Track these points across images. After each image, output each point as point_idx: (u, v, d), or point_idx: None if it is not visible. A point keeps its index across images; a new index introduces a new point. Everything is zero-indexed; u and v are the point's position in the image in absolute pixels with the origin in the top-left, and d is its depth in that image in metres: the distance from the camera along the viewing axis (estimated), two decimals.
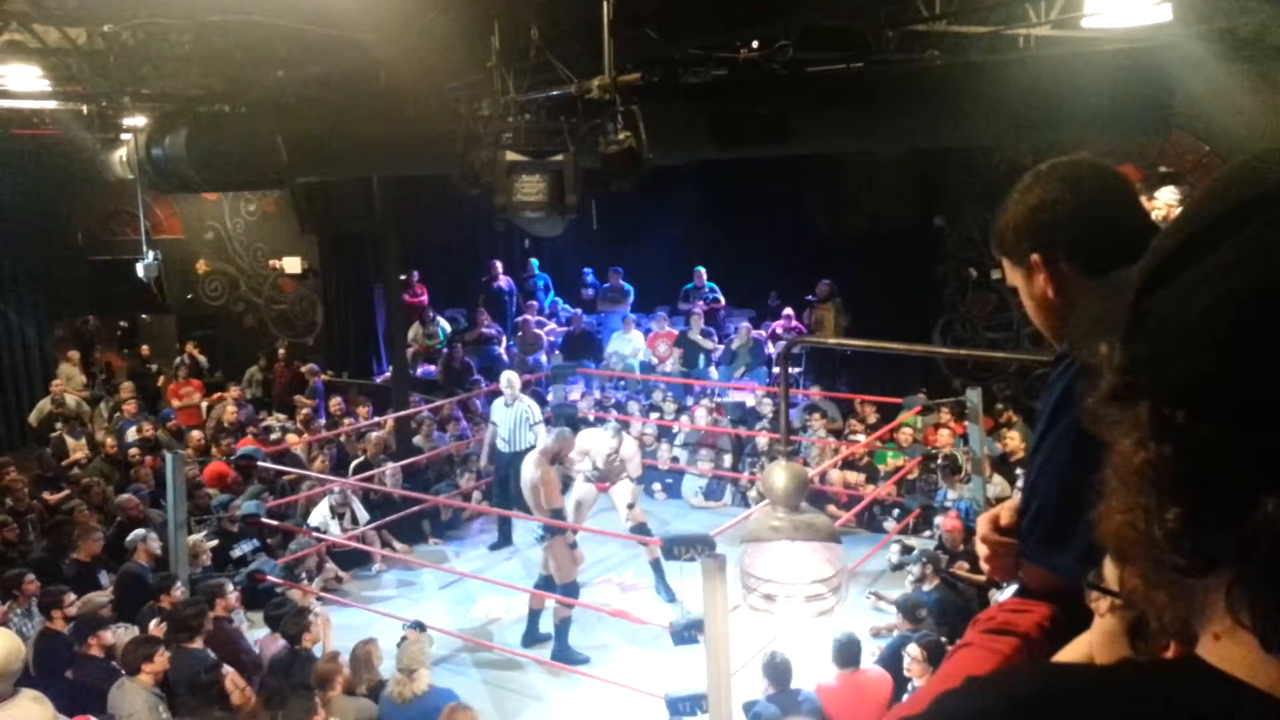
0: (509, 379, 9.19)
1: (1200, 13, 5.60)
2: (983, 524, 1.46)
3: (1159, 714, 0.58)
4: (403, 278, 12.07)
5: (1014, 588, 1.46)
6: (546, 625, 7.06)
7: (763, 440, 9.85)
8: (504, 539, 9.08)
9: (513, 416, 9.11)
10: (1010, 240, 1.41)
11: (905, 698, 5.29)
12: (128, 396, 11.36)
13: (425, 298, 13.38)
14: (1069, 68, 6.09)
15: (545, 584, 7.11)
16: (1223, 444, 0.54)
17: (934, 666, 5.25)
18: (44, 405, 11.17)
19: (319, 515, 8.51)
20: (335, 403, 11.03)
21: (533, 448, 8.62)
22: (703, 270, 13.39)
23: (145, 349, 13.05)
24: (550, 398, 11.13)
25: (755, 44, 6.32)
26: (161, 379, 12.47)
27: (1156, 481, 0.57)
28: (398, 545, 8.84)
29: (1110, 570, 0.96)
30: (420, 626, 6.45)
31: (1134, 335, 0.60)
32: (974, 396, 8.00)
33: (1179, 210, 0.65)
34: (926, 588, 6.57)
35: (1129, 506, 0.59)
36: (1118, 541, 0.61)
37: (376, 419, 10.34)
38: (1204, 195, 0.62)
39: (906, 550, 7.51)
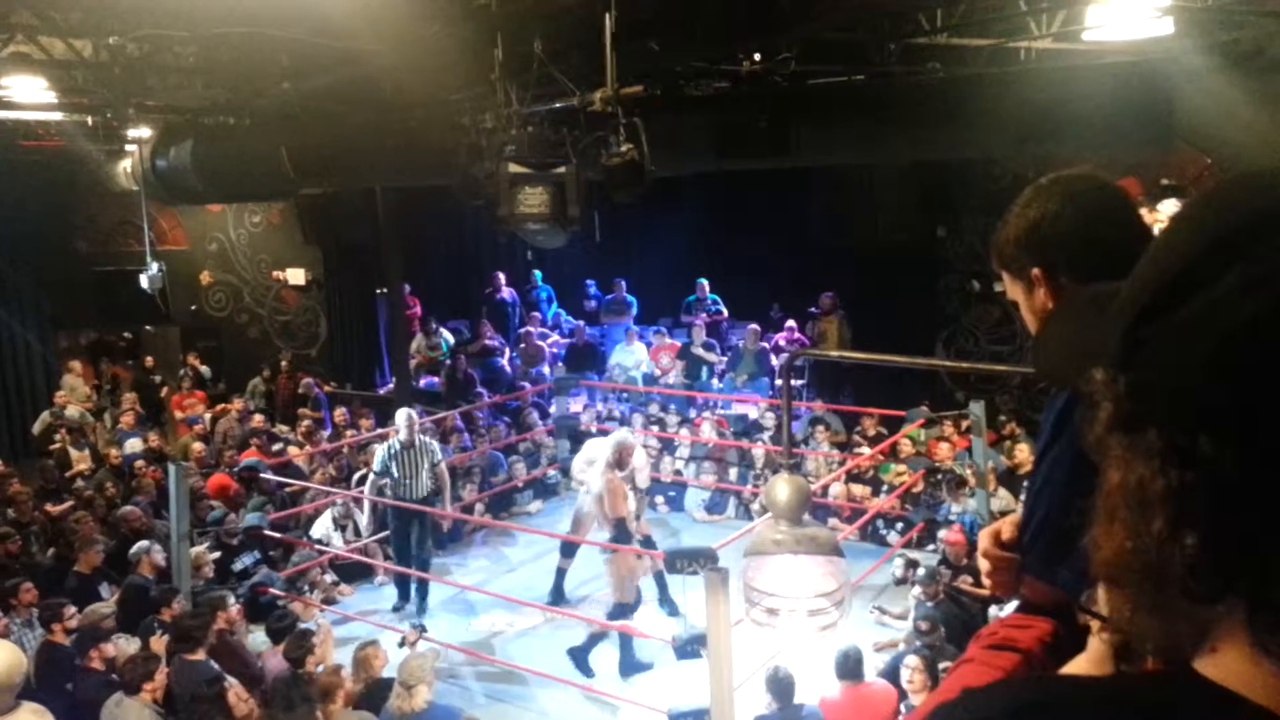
0: (409, 417, 8.01)
1: (1202, 26, 5.61)
2: (984, 539, 1.46)
3: None
4: (381, 290, 12.10)
5: (1014, 604, 1.45)
6: (640, 651, 6.83)
7: (759, 452, 9.84)
8: (405, 595, 8.05)
9: (411, 461, 7.91)
10: (1010, 254, 1.41)
11: (905, 713, 5.26)
12: (128, 408, 11.37)
13: (418, 309, 13.40)
14: (1071, 80, 6.11)
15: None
16: (1249, 470, 0.54)
17: (932, 679, 5.23)
18: (46, 416, 11.19)
19: (322, 527, 8.50)
20: (340, 413, 11.04)
21: (434, 493, 8.02)
22: (705, 282, 13.39)
23: (149, 360, 13.07)
24: (553, 409, 11.12)
25: (757, 56, 6.34)
26: (165, 390, 12.49)
27: (1175, 509, 0.57)
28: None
29: (1104, 593, 0.96)
30: (421, 628, 6.45)
31: (1136, 360, 0.60)
32: (977, 409, 7.98)
33: (1166, 230, 0.63)
34: (930, 604, 6.53)
35: (1136, 533, 0.59)
36: (1113, 568, 0.61)
37: (379, 430, 10.33)
38: (1196, 217, 0.62)
39: (910, 564, 7.47)
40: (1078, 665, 1.07)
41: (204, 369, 12.94)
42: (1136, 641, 0.62)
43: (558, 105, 5.76)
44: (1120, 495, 0.60)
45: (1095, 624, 1.01)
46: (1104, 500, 0.62)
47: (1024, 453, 8.59)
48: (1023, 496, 7.61)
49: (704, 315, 13.06)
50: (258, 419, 10.94)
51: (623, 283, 13.77)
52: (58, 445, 10.59)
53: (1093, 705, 0.62)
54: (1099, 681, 0.73)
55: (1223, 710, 0.57)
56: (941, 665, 5.40)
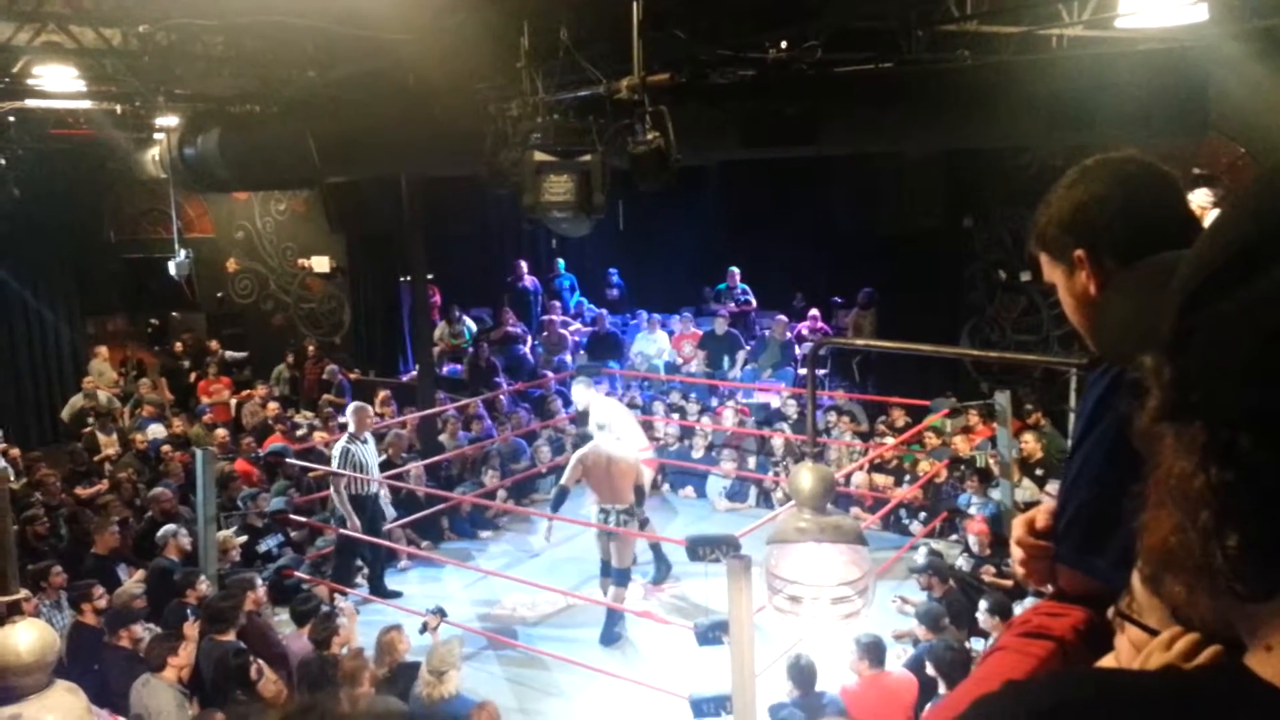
0: (368, 411, 8.25)
1: (1237, 12, 5.52)
2: (1018, 527, 1.44)
3: None
4: (405, 278, 12.15)
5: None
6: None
7: (778, 441, 9.83)
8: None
9: (374, 453, 8.11)
10: (1053, 235, 1.39)
11: (933, 702, 5.25)
12: (146, 395, 11.50)
13: (438, 298, 13.44)
14: (1102, 68, 6.02)
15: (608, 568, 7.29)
16: None
17: (954, 673, 5.21)
18: (76, 401, 11.34)
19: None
20: (384, 395, 11.08)
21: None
22: (736, 271, 13.36)
23: (178, 346, 13.21)
24: (575, 398, 11.15)
25: (784, 44, 6.30)
26: (193, 376, 12.63)
27: (1218, 506, 0.55)
28: (422, 543, 8.88)
29: (1141, 594, 0.94)
30: (441, 613, 6.50)
31: (1183, 350, 0.58)
32: (1002, 399, 7.92)
33: (1220, 214, 0.62)
34: (936, 594, 6.51)
35: (1182, 527, 0.58)
36: (1165, 556, 0.60)
37: (399, 418, 10.38)
38: (1252, 202, 0.60)
39: (933, 554, 7.44)
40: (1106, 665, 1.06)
41: (229, 355, 13.07)
42: (1195, 623, 0.61)
43: (583, 93, 5.76)
44: (1165, 487, 0.59)
45: (1122, 625, 1.00)
46: (1153, 489, 0.61)
47: (1030, 444, 8.49)
48: (1048, 486, 7.53)
49: (732, 305, 13.02)
50: (272, 407, 11.02)
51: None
52: (87, 429, 10.74)
53: (1142, 703, 0.60)
54: (1149, 677, 0.71)
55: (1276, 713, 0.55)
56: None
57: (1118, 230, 1.32)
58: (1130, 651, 0.98)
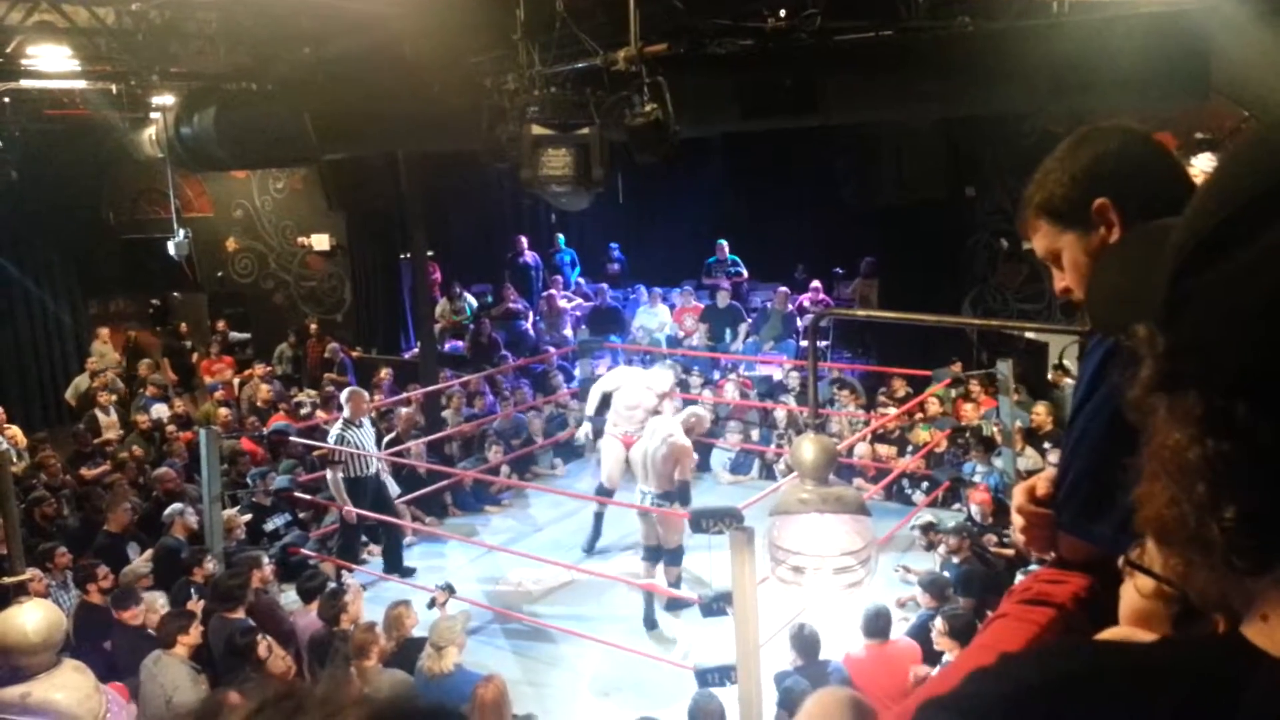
0: (363, 395, 8.21)
1: None
2: (1019, 494, 1.44)
3: (1205, 695, 0.57)
4: (405, 255, 12.11)
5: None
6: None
7: (781, 414, 9.83)
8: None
9: (370, 436, 8.10)
10: (1063, 195, 1.35)
11: (935, 671, 5.28)
12: (148, 375, 11.52)
13: (439, 275, 13.41)
14: (1104, 32, 5.96)
15: (654, 553, 7.20)
16: None
17: (961, 641, 5.23)
18: (80, 382, 11.36)
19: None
20: (384, 373, 11.08)
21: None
22: (724, 243, 13.31)
23: (183, 326, 13.22)
24: (577, 372, 11.16)
25: (782, 13, 6.24)
26: (195, 356, 12.65)
27: (1213, 478, 0.55)
28: (426, 519, 8.92)
29: (1152, 545, 0.94)
30: (450, 589, 6.53)
31: (1176, 318, 0.57)
32: (1004, 368, 7.91)
33: (1211, 176, 0.60)
34: (955, 560, 6.54)
35: (1177, 499, 0.57)
36: (1161, 528, 0.59)
37: (400, 395, 10.37)
38: (1241, 166, 0.59)
39: (929, 525, 7.47)
40: (1122, 618, 1.05)
41: (233, 335, 13.08)
42: (1193, 595, 0.61)
43: (581, 65, 5.71)
44: (1159, 460, 0.58)
45: (1143, 581, 0.99)
46: (1148, 460, 0.60)
47: (1041, 414, 8.45)
48: (1050, 455, 7.54)
49: (724, 277, 12.99)
50: (265, 388, 11.01)
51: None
52: (90, 410, 10.75)
53: (1138, 676, 0.60)
54: (1144, 649, 0.71)
55: (1275, 683, 0.55)
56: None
57: (1134, 185, 1.30)
58: (1135, 599, 0.98)
